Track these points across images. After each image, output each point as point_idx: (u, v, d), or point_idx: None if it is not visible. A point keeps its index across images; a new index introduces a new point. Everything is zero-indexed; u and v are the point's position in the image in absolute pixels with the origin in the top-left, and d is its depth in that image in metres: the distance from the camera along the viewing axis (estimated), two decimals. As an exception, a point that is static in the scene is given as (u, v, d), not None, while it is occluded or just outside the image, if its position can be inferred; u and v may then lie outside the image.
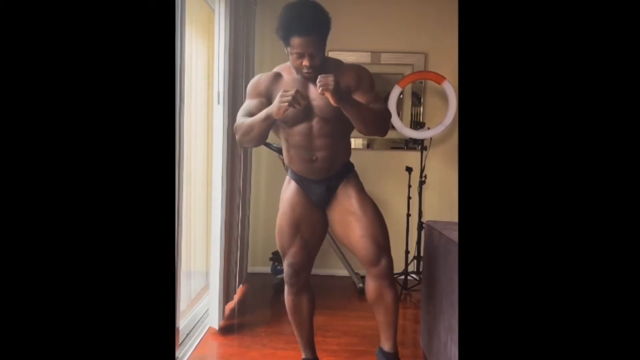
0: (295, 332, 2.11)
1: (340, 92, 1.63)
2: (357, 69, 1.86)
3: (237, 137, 1.82)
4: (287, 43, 1.71)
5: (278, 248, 2.00)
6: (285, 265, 1.98)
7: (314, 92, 1.77)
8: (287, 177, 2.02)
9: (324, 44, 1.74)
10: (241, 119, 1.80)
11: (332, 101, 1.64)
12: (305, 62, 1.71)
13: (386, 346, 2.01)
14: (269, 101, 1.82)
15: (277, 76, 1.86)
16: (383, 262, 1.90)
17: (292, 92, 1.61)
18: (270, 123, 1.72)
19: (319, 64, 1.75)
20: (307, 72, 1.74)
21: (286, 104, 1.60)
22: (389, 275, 1.94)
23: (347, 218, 1.91)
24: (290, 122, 1.83)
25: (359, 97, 1.79)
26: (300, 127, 1.83)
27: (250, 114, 1.81)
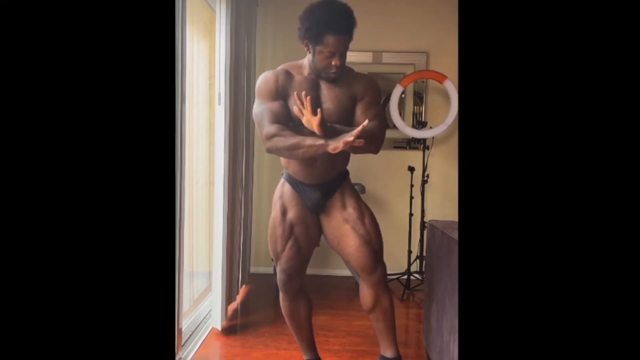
0: (295, 336, 2.11)
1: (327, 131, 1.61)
2: (368, 80, 1.86)
3: (269, 144, 1.71)
4: (319, 42, 1.68)
5: (270, 252, 1.97)
6: (279, 271, 1.96)
7: (325, 94, 1.78)
8: (282, 180, 1.99)
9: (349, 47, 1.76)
10: (279, 130, 1.70)
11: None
12: (336, 62, 1.70)
13: (389, 352, 1.99)
14: (285, 101, 1.78)
15: (288, 75, 1.81)
16: (379, 269, 1.90)
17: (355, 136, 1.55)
18: (320, 152, 1.64)
19: (344, 63, 1.75)
20: (334, 72, 1.74)
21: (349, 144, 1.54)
22: (384, 280, 1.93)
23: (344, 227, 1.89)
24: (299, 121, 1.78)
25: (360, 107, 1.79)
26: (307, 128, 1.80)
27: (277, 119, 1.73)
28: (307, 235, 1.94)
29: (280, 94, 1.78)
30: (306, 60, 1.81)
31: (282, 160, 1.94)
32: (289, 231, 1.91)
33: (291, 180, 1.94)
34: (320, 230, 1.98)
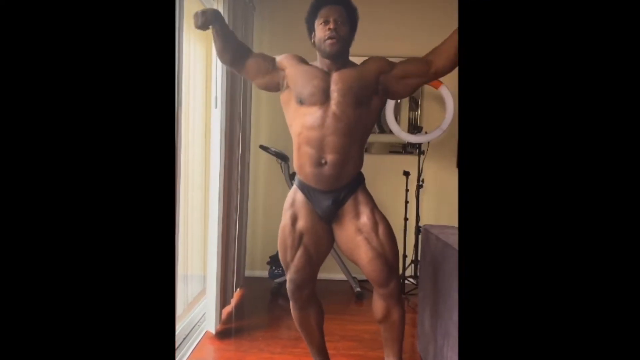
0: (306, 342, 2.07)
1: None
2: (378, 58, 1.91)
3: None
4: (316, 18, 1.78)
5: (281, 261, 1.91)
6: (288, 281, 1.90)
7: (335, 78, 1.78)
8: (293, 187, 1.91)
9: (351, 25, 1.82)
10: (242, 49, 1.96)
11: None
12: (330, 25, 1.74)
13: None
14: (278, 71, 1.90)
15: (303, 60, 1.89)
16: (393, 284, 1.82)
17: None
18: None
19: (345, 36, 1.78)
20: (330, 39, 1.74)
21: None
22: (397, 294, 1.85)
23: (356, 237, 1.80)
24: (307, 101, 1.77)
25: (404, 66, 1.92)
26: (314, 112, 1.76)
27: (249, 60, 1.97)
28: (317, 245, 1.86)
29: (277, 65, 1.92)
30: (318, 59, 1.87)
31: (295, 164, 1.87)
32: (299, 240, 1.85)
33: (303, 187, 1.86)
34: (332, 240, 1.90)
